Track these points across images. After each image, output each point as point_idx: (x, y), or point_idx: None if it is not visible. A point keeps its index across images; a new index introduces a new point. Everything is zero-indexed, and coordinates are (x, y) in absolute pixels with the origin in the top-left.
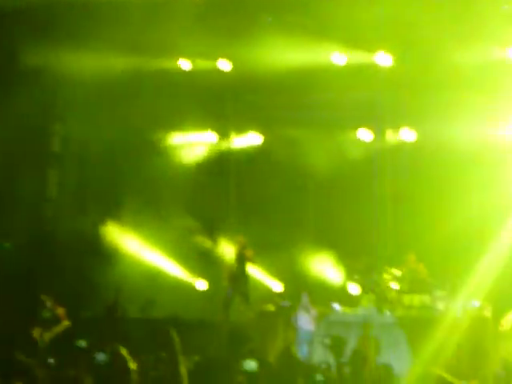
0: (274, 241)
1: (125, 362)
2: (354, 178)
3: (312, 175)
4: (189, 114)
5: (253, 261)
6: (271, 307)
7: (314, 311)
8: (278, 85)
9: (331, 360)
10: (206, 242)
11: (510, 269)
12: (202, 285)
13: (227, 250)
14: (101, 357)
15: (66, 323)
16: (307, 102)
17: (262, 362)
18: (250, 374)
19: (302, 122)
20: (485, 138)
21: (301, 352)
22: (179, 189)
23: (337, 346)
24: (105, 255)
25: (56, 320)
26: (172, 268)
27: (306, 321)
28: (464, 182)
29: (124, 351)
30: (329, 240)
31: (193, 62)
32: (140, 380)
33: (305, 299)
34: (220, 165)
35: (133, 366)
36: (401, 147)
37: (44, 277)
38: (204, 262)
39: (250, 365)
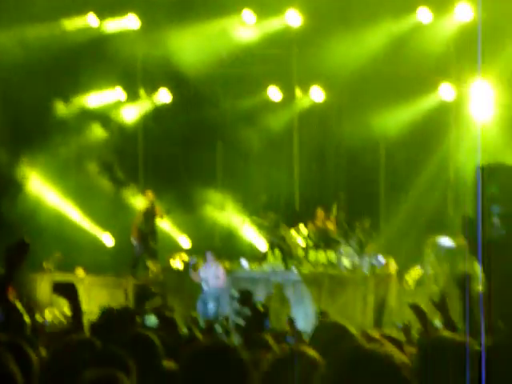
0: (184, 196)
1: (20, 317)
2: (260, 135)
3: (222, 134)
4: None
5: (161, 216)
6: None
7: (220, 268)
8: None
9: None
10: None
11: (414, 226)
12: (108, 239)
13: (136, 204)
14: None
15: None
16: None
17: (164, 318)
18: (150, 329)
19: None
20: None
21: (207, 309)
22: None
23: (244, 298)
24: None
25: None
26: (79, 218)
27: (212, 278)
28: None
29: (19, 305)
30: (237, 197)
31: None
32: (38, 334)
33: (209, 257)
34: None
35: (27, 319)
36: (311, 107)
37: None
38: (112, 215)
39: (151, 320)
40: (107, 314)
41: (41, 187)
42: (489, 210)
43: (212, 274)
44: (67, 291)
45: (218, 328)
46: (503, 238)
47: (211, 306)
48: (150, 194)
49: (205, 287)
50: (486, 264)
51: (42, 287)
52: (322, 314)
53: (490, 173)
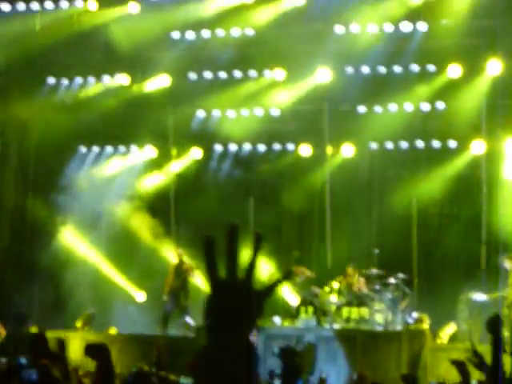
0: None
1: (56, 382)
2: (291, 192)
3: (254, 190)
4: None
5: (192, 274)
6: None
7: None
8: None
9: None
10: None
11: (447, 281)
12: (141, 296)
13: (169, 261)
14: (32, 375)
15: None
16: None
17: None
18: None
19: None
20: None
21: None
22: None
23: (285, 354)
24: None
25: None
26: (112, 274)
27: None
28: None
29: (55, 370)
30: (270, 253)
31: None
32: None
33: None
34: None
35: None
36: (340, 163)
37: None
38: (145, 272)
39: (185, 382)
40: (139, 375)
41: (73, 238)
42: None
43: None
44: (99, 353)
45: None
46: None
47: None
48: (180, 250)
49: None
50: None
51: (74, 346)
52: (359, 376)
53: None
